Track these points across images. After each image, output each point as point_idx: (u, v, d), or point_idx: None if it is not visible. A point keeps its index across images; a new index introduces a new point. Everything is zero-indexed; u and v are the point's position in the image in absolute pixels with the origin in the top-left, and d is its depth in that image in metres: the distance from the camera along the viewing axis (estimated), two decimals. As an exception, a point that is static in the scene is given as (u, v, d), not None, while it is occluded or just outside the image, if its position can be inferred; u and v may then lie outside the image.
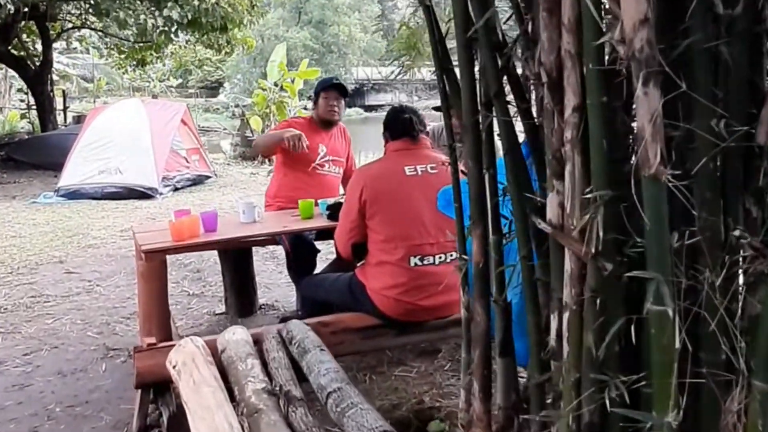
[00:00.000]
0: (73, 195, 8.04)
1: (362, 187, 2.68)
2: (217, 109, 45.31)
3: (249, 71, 49.57)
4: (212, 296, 4.28)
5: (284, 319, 3.46)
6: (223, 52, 13.48)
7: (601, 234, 1.12)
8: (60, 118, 14.92)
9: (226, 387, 2.07)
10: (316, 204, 3.40)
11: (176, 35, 12.92)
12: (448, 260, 2.70)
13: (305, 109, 16.40)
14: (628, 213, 1.11)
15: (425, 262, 2.67)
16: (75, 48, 21.69)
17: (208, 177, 9.78)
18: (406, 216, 2.66)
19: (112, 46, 14.57)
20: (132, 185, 8.12)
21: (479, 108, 1.56)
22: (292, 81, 15.77)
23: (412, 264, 2.65)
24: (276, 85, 15.48)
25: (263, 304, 4.03)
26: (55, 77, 16.70)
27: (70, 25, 13.72)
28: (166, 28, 12.22)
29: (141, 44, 13.33)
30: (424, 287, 2.67)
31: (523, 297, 1.52)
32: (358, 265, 2.90)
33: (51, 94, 12.84)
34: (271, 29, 46.95)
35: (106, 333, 3.63)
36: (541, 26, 1.24)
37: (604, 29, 1.09)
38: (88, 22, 13.13)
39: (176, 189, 8.81)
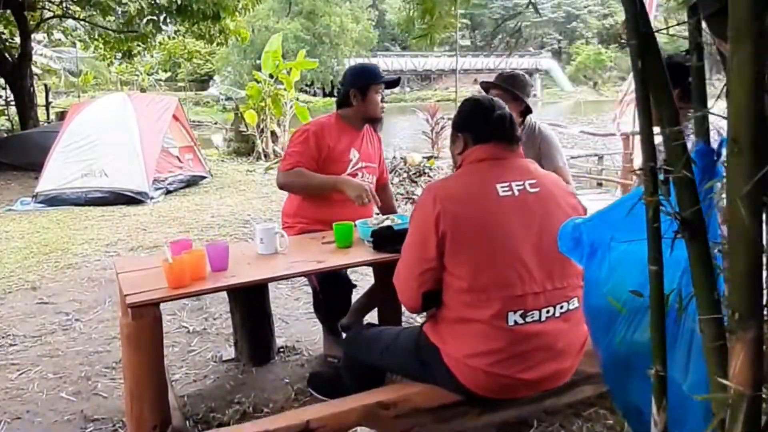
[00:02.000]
0: (53, 201, 7.21)
1: (438, 213, 1.90)
2: (208, 102, 44.55)
3: (239, 63, 48.78)
4: (217, 333, 3.49)
5: (313, 377, 2.69)
6: (215, 43, 12.61)
7: None
8: (43, 115, 14.05)
9: None
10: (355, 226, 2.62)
11: (165, 24, 12.10)
12: (557, 314, 1.92)
13: (299, 101, 15.63)
14: None
15: (528, 320, 1.89)
16: (60, 40, 20.76)
17: (203, 177, 8.97)
18: (502, 255, 1.88)
19: (97, 37, 13.66)
20: (119, 189, 7.29)
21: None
22: (288, 72, 14.95)
23: (511, 323, 1.88)
24: (271, 76, 14.65)
25: (282, 347, 3.24)
26: (37, 71, 15.80)
27: (50, 14, 12.80)
28: (154, 16, 11.41)
29: (127, 33, 12.46)
30: (527, 355, 1.89)
31: None
32: (427, 316, 2.12)
33: (32, 88, 11.96)
34: (261, 20, 46.06)
35: (84, 393, 2.83)
36: None
37: None
38: (69, 11, 12.24)
39: (168, 192, 7.99)
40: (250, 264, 2.40)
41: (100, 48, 14.10)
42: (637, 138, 1.77)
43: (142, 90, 25.37)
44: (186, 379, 2.96)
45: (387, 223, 2.65)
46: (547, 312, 1.91)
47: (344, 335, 3.03)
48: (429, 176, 6.74)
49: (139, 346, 2.04)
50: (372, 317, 3.19)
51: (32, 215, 6.79)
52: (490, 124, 2.01)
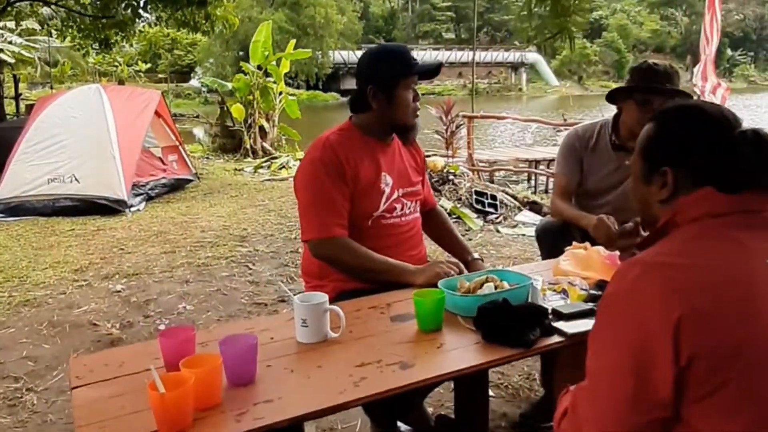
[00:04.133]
0: (15, 211, 6.21)
1: (680, 320, 0.99)
2: (189, 94, 43.33)
3: (221, 55, 47.60)
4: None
5: None
6: (201, 30, 11.55)
7: None
8: (15, 107, 12.94)
9: None
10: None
11: (145, 10, 11.06)
12: None
13: (291, 96, 14.63)
14: None
15: None
16: (35, 29, 19.53)
17: (188, 181, 7.99)
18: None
19: (71, 23, 12.53)
20: (92, 197, 6.31)
21: None
22: (278, 63, 13.96)
23: None
24: (260, 68, 13.65)
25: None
26: (7, 59, 14.66)
27: (16, -2, 11.69)
28: (133, 1, 10.38)
29: (103, 20, 11.37)
30: None
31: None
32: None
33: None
34: (244, 11, 44.86)
35: None
36: None
37: None
38: (38, -6, 11.14)
39: (150, 198, 7.01)
40: (290, 370, 1.47)
41: (76, 36, 12.99)
42: None
43: (120, 82, 24.16)
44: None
45: (487, 289, 1.74)
46: None
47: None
48: (454, 184, 5.82)
49: None
50: (436, 398, 2.29)
51: (-11, 228, 5.80)
52: (739, 156, 1.11)
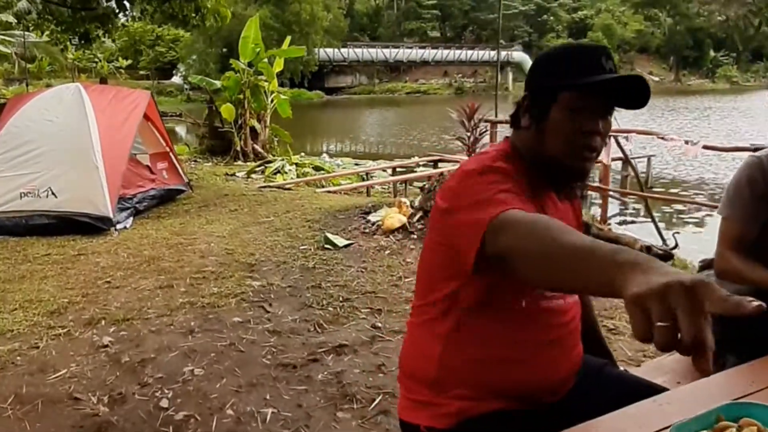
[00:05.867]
0: (-19, 231, 5.37)
1: None
2: (171, 91, 42.23)
3: (205, 52, 46.51)
4: None
5: None
6: (191, 24, 10.69)
7: None
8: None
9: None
10: None
11: (130, 1, 10.22)
12: None
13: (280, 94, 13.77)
14: None
15: None
16: (10, 23, 18.47)
17: (180, 191, 7.16)
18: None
19: (47, 16, 11.60)
20: (72, 213, 5.47)
21: None
22: (270, 61, 13.14)
23: None
24: (251, 65, 12.82)
25: None
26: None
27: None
28: (116, -9, 9.55)
29: (83, 11, 10.50)
30: None
31: None
32: None
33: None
34: (227, 7, 43.72)
35: None
36: None
37: None
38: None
39: (137, 212, 6.18)
40: None
41: (54, 30, 12.07)
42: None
43: (103, 80, 23.13)
44: None
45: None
46: None
47: None
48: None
49: None
50: None
51: (-51, 252, 4.94)
52: None
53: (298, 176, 10.99)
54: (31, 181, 5.53)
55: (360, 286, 4.00)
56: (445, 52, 58.62)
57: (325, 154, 15.82)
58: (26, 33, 17.34)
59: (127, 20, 12.96)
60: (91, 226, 5.46)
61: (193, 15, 10.36)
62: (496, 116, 7.87)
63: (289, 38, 13.88)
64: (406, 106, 47.35)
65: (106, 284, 4.14)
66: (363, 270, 4.32)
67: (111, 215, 5.50)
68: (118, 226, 5.60)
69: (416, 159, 13.21)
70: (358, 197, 8.14)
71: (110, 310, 3.66)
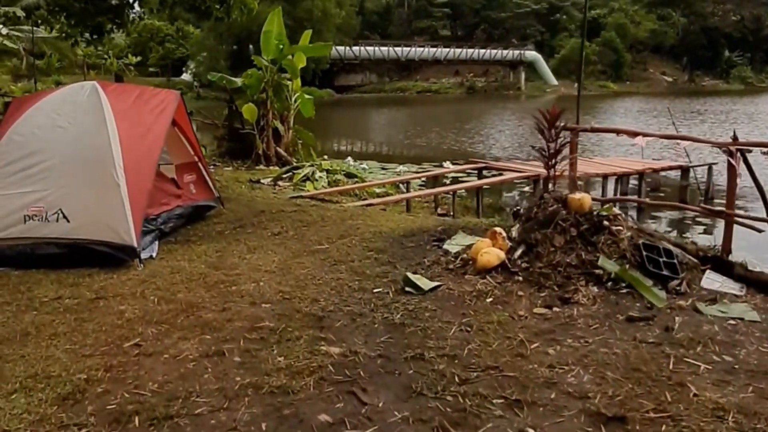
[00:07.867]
0: (-24, 263, 4.38)
1: None
2: (180, 89, 41.43)
3: (215, 48, 45.58)
4: None
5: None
6: (214, 16, 9.71)
7: None
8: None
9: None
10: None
11: (147, -10, 9.28)
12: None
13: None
14: None
15: None
16: (20, 18, 17.55)
17: (210, 207, 6.17)
18: None
19: (57, 9, 10.64)
20: (88, 241, 4.48)
21: None
22: (292, 57, 12.12)
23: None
24: (274, 63, 11.83)
25: None
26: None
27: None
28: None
29: (95, 4, 9.54)
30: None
31: None
32: None
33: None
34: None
35: None
36: None
37: None
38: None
39: (163, 235, 5.20)
40: None
41: (64, 24, 11.13)
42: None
43: (118, 77, 22.06)
44: None
45: None
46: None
47: None
48: (612, 234, 4.03)
49: None
50: None
51: (-64, 292, 3.95)
52: None
53: (329, 184, 10.02)
54: (37, 201, 4.53)
55: (473, 356, 2.99)
56: (457, 50, 57.74)
57: (349, 158, 14.88)
58: (35, 28, 16.44)
59: (143, 13, 11.99)
60: (111, 257, 4.47)
61: (217, 6, 9.39)
62: (578, 122, 6.84)
63: (309, 32, 12.87)
64: (418, 105, 46.38)
65: (136, 348, 3.13)
66: (468, 329, 3.30)
67: (135, 244, 4.50)
68: (143, 256, 4.60)
69: (450, 166, 12.25)
70: (411, 215, 7.18)
71: (144, 395, 2.66)
